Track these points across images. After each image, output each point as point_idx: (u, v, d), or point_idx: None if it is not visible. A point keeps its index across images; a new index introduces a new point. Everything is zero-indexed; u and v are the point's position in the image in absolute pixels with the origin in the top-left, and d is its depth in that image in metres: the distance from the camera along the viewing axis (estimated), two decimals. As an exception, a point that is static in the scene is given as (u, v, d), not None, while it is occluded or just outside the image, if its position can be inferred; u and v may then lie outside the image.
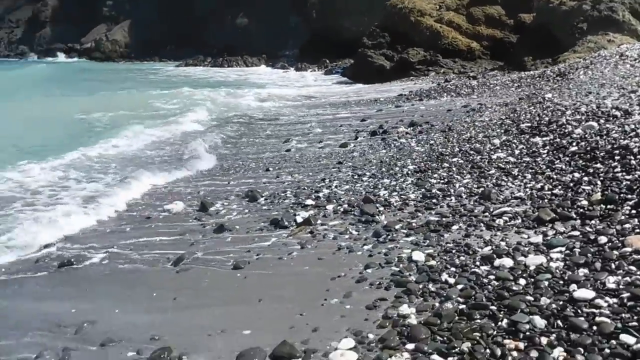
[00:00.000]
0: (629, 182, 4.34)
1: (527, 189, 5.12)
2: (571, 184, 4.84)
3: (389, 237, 4.60)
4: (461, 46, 24.74)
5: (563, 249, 3.61)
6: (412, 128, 10.70)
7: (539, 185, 5.10)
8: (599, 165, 4.93)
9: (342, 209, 5.66)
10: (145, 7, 66.53)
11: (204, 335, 3.41)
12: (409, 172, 6.82)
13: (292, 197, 6.50)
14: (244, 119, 14.88)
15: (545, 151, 6.20)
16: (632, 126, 5.63)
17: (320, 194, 6.34)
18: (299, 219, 5.43)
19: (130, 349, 3.35)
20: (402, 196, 5.77)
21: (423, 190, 5.84)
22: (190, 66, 48.65)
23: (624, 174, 4.53)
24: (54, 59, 67.47)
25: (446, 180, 6.03)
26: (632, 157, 4.69)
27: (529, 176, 5.47)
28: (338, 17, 44.31)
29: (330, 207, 5.82)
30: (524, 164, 5.96)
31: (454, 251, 4.01)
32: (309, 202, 6.10)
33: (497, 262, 3.62)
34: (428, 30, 25.28)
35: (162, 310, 3.86)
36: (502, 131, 8.20)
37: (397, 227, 4.80)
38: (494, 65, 23.49)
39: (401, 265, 3.95)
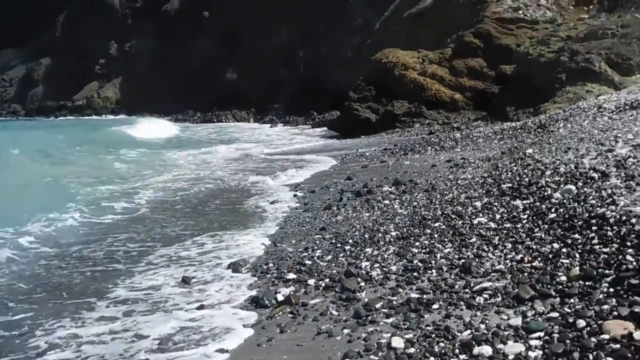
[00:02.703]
0: (606, 256, 4.32)
1: (507, 261, 5.10)
2: (550, 256, 4.82)
3: (370, 317, 4.53)
4: (445, 98, 25.25)
5: (542, 333, 3.55)
6: (395, 187, 10.75)
7: (518, 257, 5.07)
8: (577, 235, 4.93)
9: (323, 284, 5.60)
10: (137, 64, 68.00)
11: None
12: (392, 239, 6.80)
13: (274, 270, 6.43)
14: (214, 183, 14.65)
15: (526, 216, 6.21)
16: (609, 191, 5.67)
17: (303, 267, 6.27)
18: (280, 297, 5.36)
19: None
20: (383, 268, 5.72)
21: (405, 261, 5.81)
22: (180, 122, 49.17)
23: (601, 246, 4.52)
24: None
25: (428, 249, 6.00)
26: (608, 228, 4.70)
27: (509, 245, 5.45)
28: (325, 70, 45.36)
29: (312, 281, 5.76)
30: (505, 231, 5.95)
31: (433, 335, 3.94)
32: (291, 275, 6.03)
33: (476, 350, 3.56)
34: (412, 83, 25.83)
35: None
36: (484, 192, 8.25)
37: (377, 305, 4.73)
38: (477, 115, 23.92)
39: (380, 354, 3.86)
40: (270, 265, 6.68)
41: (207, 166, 18.01)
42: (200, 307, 5.45)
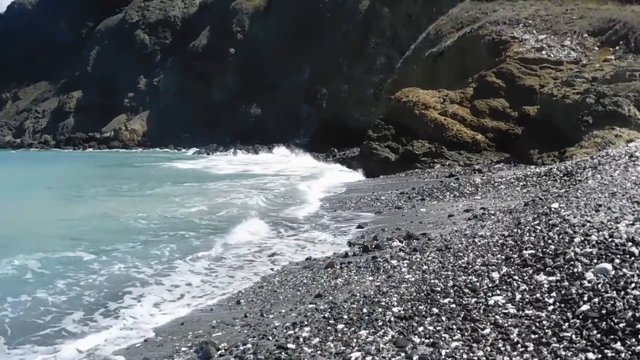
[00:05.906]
0: (660, 385, 3.28)
1: (529, 372, 4.06)
2: (584, 372, 3.78)
3: None
4: (466, 138, 24.27)
5: None
6: (407, 242, 9.78)
7: (543, 368, 4.03)
8: (618, 345, 3.87)
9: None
10: (164, 98, 69.20)
11: None
12: (392, 318, 5.79)
13: (250, 354, 5.46)
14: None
15: (552, 301, 5.16)
16: (655, 276, 4.62)
17: (283, 355, 5.29)
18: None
19: None
20: (376, 366, 4.72)
21: (403, 355, 4.79)
22: (203, 154, 49.50)
23: (652, 366, 3.47)
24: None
25: (432, 340, 4.98)
26: (660, 340, 3.65)
27: (531, 347, 4.40)
28: (346, 108, 45.05)
29: (287, 381, 4.78)
30: (526, 322, 4.90)
31: None
32: (265, 369, 5.07)
33: None
34: (432, 123, 24.96)
35: None
36: (503, 258, 7.20)
37: None
38: (499, 157, 22.86)
39: None
40: (249, 346, 5.72)
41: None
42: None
